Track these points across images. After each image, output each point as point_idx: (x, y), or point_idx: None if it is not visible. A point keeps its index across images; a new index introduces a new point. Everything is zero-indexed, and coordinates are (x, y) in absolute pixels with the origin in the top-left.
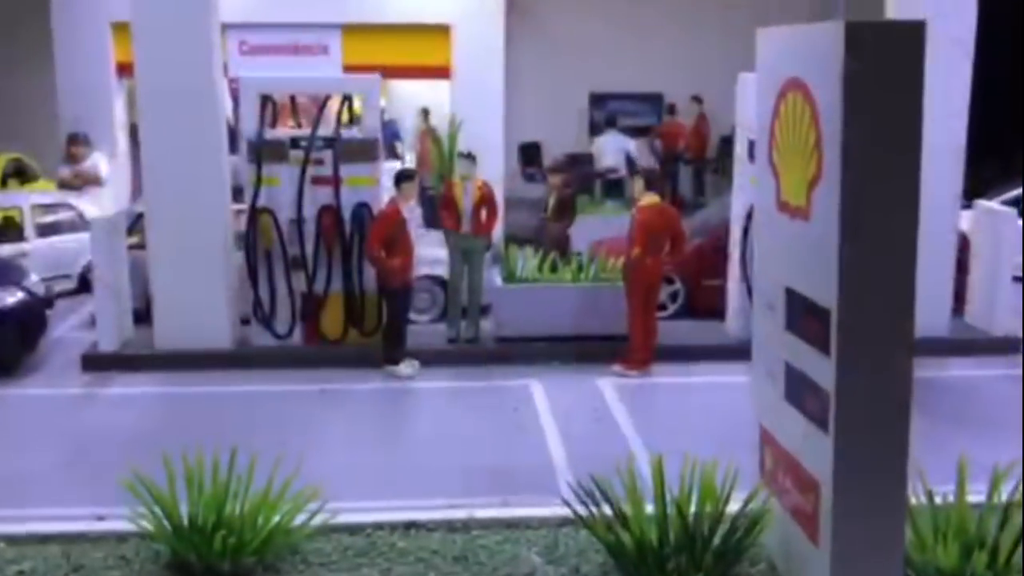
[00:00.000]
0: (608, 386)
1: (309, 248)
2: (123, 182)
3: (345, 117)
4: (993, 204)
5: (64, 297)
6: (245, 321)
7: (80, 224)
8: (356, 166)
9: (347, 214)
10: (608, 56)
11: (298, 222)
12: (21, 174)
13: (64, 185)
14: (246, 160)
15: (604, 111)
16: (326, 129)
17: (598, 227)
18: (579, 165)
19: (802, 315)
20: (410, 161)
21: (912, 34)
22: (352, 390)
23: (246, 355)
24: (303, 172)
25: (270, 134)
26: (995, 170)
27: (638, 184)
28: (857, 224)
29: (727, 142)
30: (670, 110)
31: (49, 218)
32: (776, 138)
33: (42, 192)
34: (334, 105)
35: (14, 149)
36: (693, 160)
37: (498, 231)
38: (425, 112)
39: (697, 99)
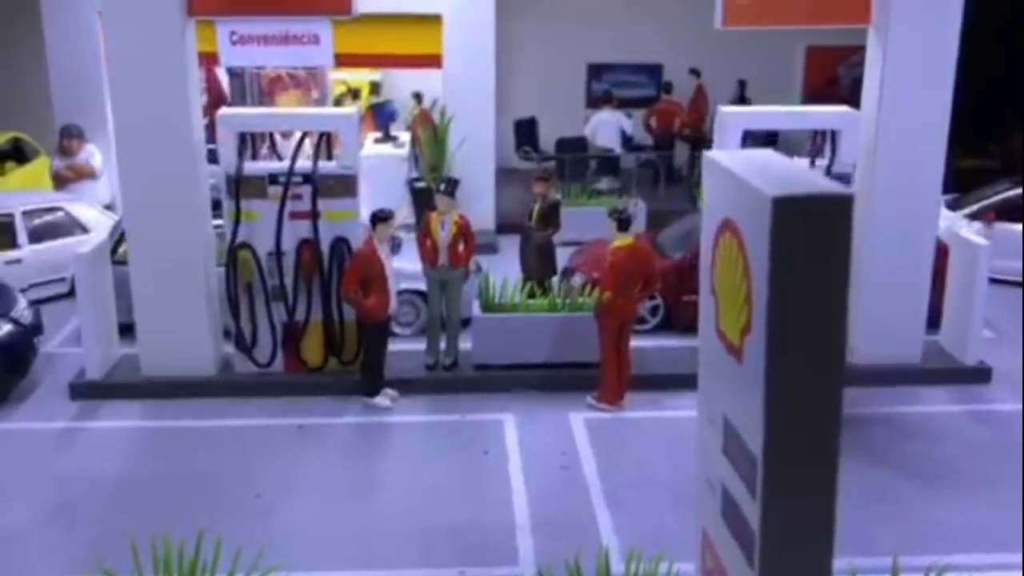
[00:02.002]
0: (580, 423)
1: (289, 280)
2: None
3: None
4: (969, 234)
5: (58, 300)
6: (228, 333)
7: (72, 227)
8: (335, 200)
9: (326, 247)
10: (606, 27)
11: (277, 255)
12: (19, 153)
13: (58, 178)
14: (225, 194)
15: (603, 82)
16: (304, 164)
17: (586, 222)
18: (572, 150)
19: (735, 448)
20: (404, 140)
21: (840, 208)
22: (329, 426)
23: (229, 383)
24: (282, 207)
25: (249, 169)
26: (990, 157)
27: (611, 226)
28: (783, 392)
29: None
30: (666, 89)
31: (41, 221)
32: (716, 267)
33: (33, 193)
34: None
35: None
36: (690, 136)
37: (490, 218)
38: (418, 96)
39: (695, 72)
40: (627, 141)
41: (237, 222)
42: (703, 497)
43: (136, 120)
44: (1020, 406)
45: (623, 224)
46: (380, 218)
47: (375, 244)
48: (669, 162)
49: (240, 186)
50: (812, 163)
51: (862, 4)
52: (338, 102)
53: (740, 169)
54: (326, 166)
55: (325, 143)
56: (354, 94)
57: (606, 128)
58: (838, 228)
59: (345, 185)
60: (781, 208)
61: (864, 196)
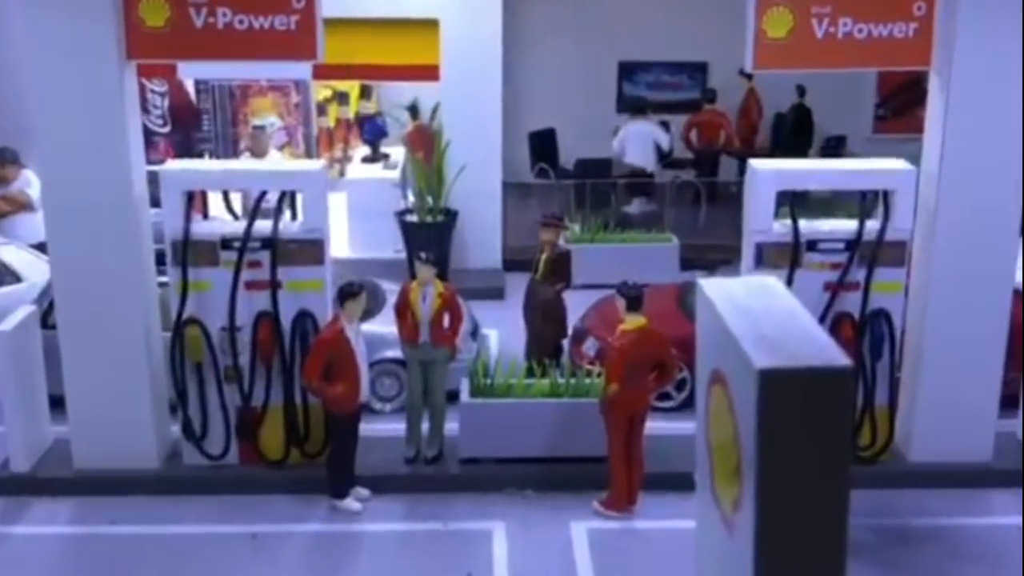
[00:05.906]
0: (582, 535)
1: (244, 359)
2: None
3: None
4: None
5: None
6: (174, 409)
7: (3, 275)
8: (298, 269)
9: (288, 322)
10: (641, 19)
11: (231, 331)
12: None
13: None
14: (170, 262)
15: (637, 84)
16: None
17: (610, 263)
18: (595, 173)
19: None
20: (396, 159)
21: (836, 382)
22: (288, 535)
23: (176, 478)
24: (236, 276)
25: (198, 232)
26: None
27: (620, 304)
28: None
29: (781, 119)
30: (709, 98)
31: None
32: (710, 420)
33: None
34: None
35: None
36: (740, 151)
37: (496, 255)
38: (413, 110)
39: (746, 74)
40: (663, 157)
41: (184, 295)
42: None
43: (67, 175)
44: None
45: (633, 303)
46: (349, 294)
47: (343, 324)
48: (712, 185)
49: (187, 252)
50: (861, 226)
51: (920, 44)
52: (321, 108)
53: (730, 316)
54: (288, 228)
55: (289, 200)
56: (341, 98)
57: (637, 142)
58: (834, 404)
59: (311, 251)
60: (769, 382)
61: (923, 264)
